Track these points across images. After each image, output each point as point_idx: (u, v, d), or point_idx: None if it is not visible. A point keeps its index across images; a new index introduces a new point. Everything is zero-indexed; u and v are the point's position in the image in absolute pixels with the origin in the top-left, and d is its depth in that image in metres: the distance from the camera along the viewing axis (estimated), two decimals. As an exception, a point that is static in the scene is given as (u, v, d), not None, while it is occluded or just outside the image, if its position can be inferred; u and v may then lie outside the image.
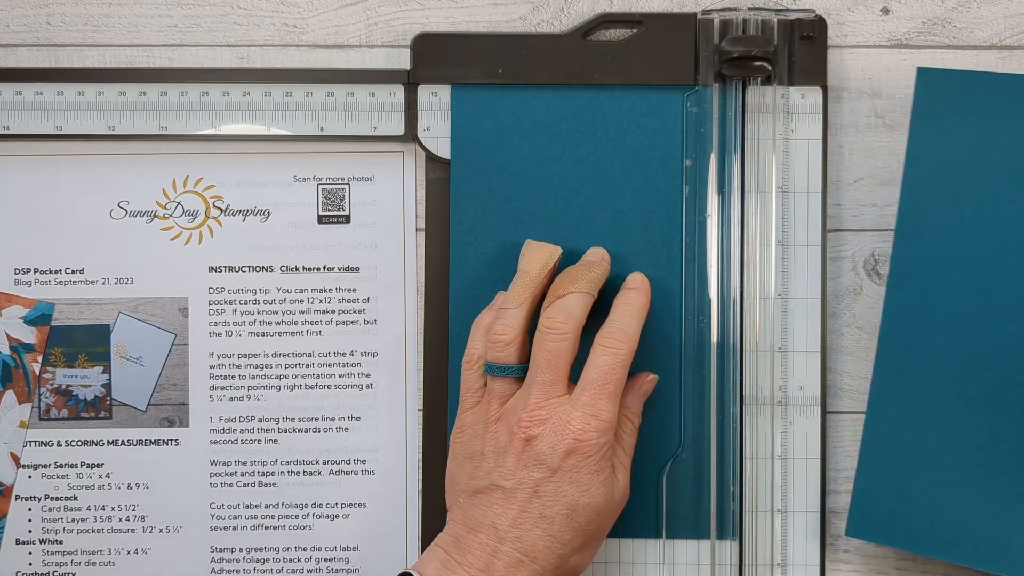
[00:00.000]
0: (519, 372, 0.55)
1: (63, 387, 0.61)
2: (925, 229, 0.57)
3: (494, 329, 0.56)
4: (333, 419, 0.62)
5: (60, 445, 0.61)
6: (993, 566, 0.55)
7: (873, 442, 0.57)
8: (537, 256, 0.57)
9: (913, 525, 0.57)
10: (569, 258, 0.59)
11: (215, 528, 0.62)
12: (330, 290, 0.62)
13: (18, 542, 0.61)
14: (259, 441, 0.62)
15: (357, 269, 0.62)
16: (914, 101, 0.57)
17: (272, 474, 0.62)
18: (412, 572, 0.53)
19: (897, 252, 0.57)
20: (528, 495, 0.53)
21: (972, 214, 0.56)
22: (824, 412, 0.60)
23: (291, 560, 0.62)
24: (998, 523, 0.55)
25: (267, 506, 0.62)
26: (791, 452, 0.60)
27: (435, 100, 0.60)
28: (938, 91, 0.57)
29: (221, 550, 0.62)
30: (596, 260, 0.58)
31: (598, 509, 0.53)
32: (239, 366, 0.62)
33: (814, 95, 0.60)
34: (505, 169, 0.60)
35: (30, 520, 0.61)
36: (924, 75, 0.57)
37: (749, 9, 0.60)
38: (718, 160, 0.60)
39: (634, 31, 0.60)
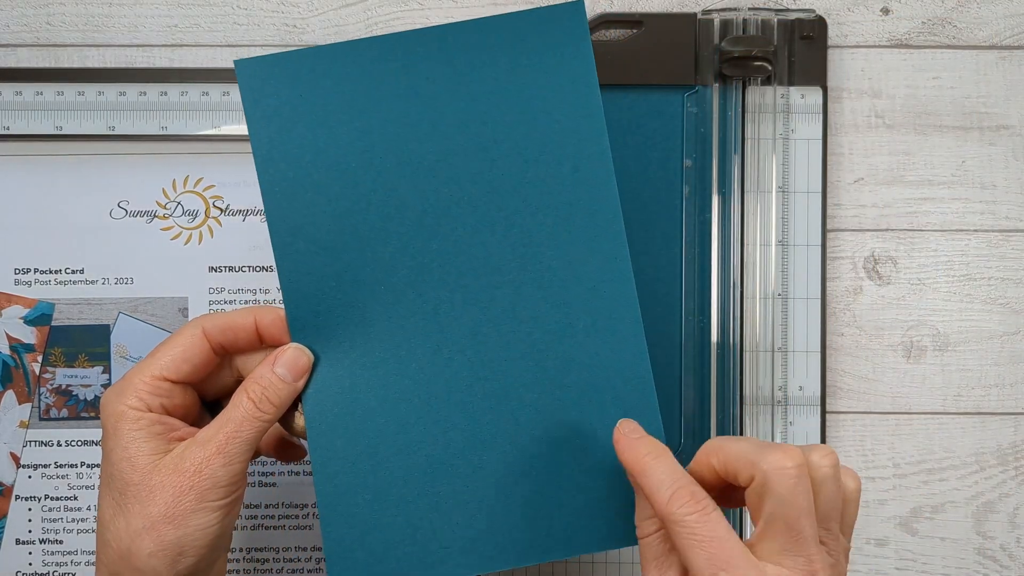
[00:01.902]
0: None
1: (63, 387, 0.61)
2: (297, 231, 0.50)
3: None
4: (333, 419, 0.61)
5: (60, 445, 0.61)
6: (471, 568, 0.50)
7: (327, 486, 0.49)
8: None
9: (392, 554, 0.50)
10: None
11: (215, 528, 0.62)
12: (330, 290, 0.62)
13: (18, 542, 0.61)
14: (259, 441, 0.62)
15: (357, 269, 0.62)
16: (243, 98, 0.50)
17: (272, 474, 0.62)
18: None
19: (279, 265, 0.50)
20: None
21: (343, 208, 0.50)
22: (824, 412, 0.60)
23: (291, 560, 0.62)
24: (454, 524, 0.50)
25: (267, 506, 0.62)
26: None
27: None
28: (260, 81, 0.50)
29: (221, 550, 0.62)
30: None
31: (121, 480, 0.46)
32: (239, 366, 0.62)
33: (814, 95, 0.60)
34: None
35: (30, 520, 0.61)
36: (241, 67, 0.49)
37: (749, 9, 0.60)
38: (719, 160, 0.60)
39: (634, 31, 0.60)
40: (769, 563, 0.42)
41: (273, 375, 0.48)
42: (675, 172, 0.60)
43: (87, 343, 0.61)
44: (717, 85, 0.59)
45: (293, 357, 0.48)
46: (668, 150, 0.60)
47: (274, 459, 0.56)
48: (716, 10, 0.59)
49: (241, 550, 0.61)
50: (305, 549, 0.62)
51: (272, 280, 0.61)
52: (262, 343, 0.50)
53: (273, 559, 0.62)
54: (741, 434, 0.60)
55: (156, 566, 0.46)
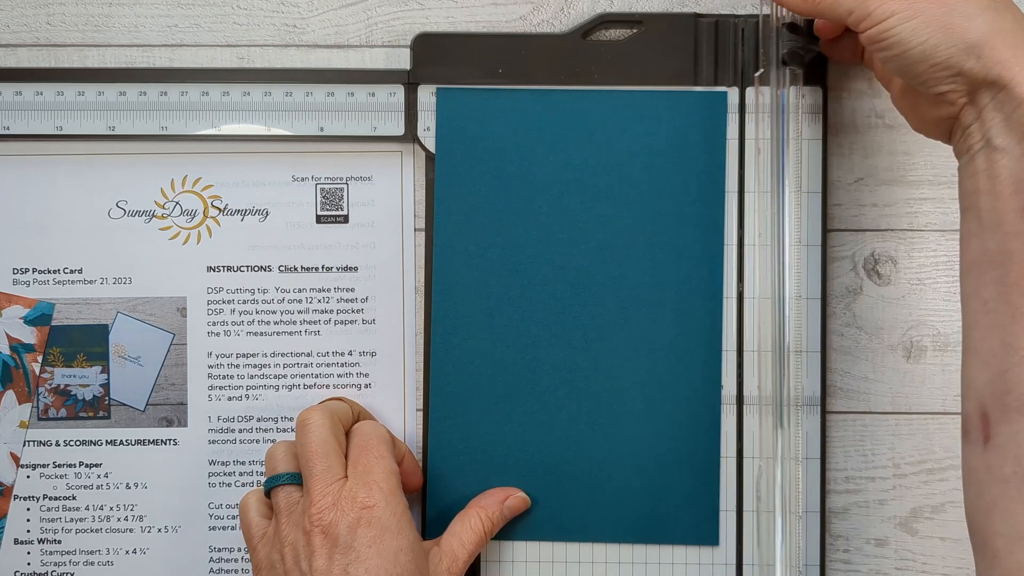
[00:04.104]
0: (296, 479, 0.55)
1: (62, 387, 0.61)
2: (456, 237, 0.60)
3: (267, 456, 0.57)
4: (332, 419, 0.61)
5: (59, 445, 0.61)
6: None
7: (438, 444, 0.60)
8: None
9: None
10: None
11: (213, 528, 0.61)
12: (328, 290, 0.62)
13: (16, 542, 0.61)
14: (257, 441, 0.61)
15: (356, 269, 0.62)
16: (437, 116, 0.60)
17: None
18: None
19: (436, 261, 0.60)
20: None
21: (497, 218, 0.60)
22: (824, 412, 0.60)
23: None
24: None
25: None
26: (791, 452, 0.60)
27: (435, 100, 0.60)
28: (455, 107, 0.60)
29: (220, 550, 0.61)
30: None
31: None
32: (237, 366, 0.62)
33: (814, 95, 0.60)
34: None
35: (28, 520, 0.61)
36: (443, 95, 0.60)
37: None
38: (776, 157, 0.59)
39: (634, 31, 0.60)
40: None
41: (500, 514, 0.57)
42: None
43: (85, 343, 0.61)
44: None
45: (520, 505, 0.58)
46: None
47: None
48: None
49: (240, 550, 0.61)
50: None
51: (270, 280, 0.61)
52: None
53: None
54: (741, 434, 0.60)
55: None
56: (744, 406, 0.60)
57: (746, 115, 0.60)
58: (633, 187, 0.60)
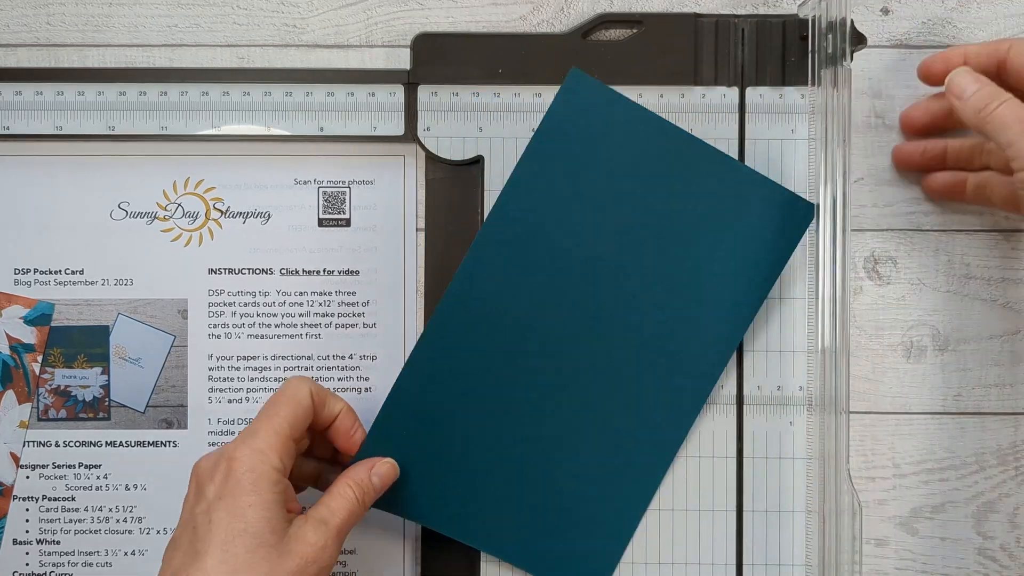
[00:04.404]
0: None
1: (62, 387, 0.61)
2: (513, 222, 0.58)
3: None
4: (332, 420, 0.61)
5: (58, 446, 0.61)
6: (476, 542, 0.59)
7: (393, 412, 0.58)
8: None
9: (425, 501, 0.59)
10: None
11: (213, 529, 0.61)
12: (330, 293, 0.62)
13: (15, 542, 0.61)
14: (258, 443, 0.61)
15: (357, 272, 0.62)
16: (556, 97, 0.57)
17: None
18: None
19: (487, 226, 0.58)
20: (186, 527, 0.51)
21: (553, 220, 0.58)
22: (824, 412, 0.60)
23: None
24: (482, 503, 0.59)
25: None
26: (791, 452, 0.60)
27: (435, 100, 0.60)
28: (578, 96, 0.57)
29: (219, 551, 0.61)
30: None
31: (259, 539, 0.50)
32: (238, 368, 0.61)
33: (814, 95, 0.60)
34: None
35: (27, 520, 0.61)
36: (574, 76, 0.57)
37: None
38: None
39: (634, 31, 0.60)
40: None
41: (370, 482, 0.55)
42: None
43: (86, 344, 0.61)
44: (822, 80, 0.58)
45: (389, 473, 0.56)
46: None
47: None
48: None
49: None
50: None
51: (271, 283, 0.61)
52: (316, 425, 0.56)
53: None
54: (741, 435, 0.60)
55: None
56: (744, 406, 0.60)
57: (747, 114, 0.60)
58: (687, 246, 0.58)
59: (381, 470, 0.56)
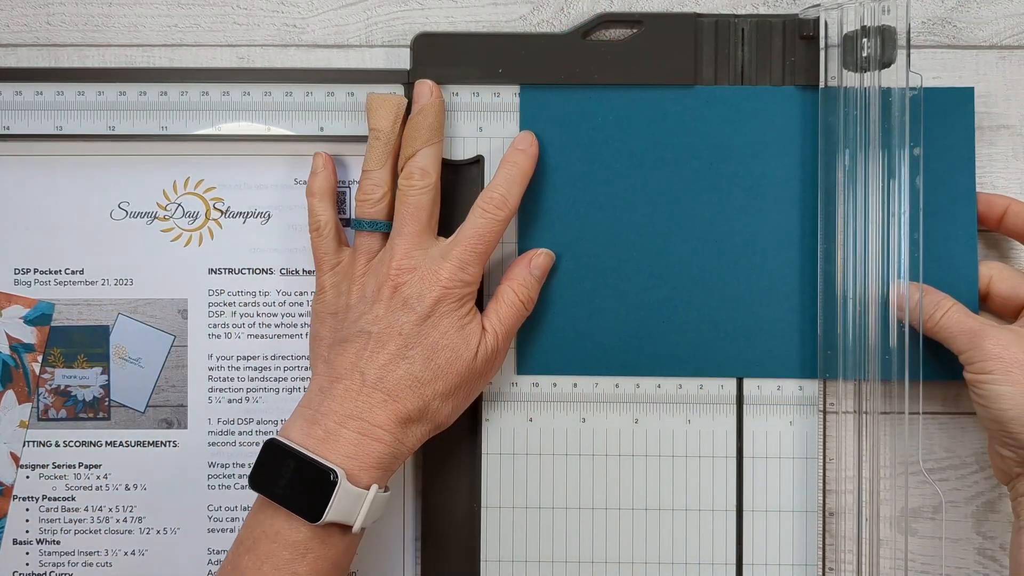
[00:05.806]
0: (388, 227, 0.57)
1: (62, 387, 0.61)
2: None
3: (363, 188, 0.57)
4: (332, 420, 0.61)
5: (58, 446, 0.61)
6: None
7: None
8: (386, 111, 0.58)
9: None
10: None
11: (212, 530, 0.61)
12: (329, 292, 0.62)
13: (16, 542, 0.61)
14: (257, 443, 0.61)
15: (357, 272, 0.62)
16: None
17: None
18: (278, 438, 0.53)
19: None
20: (393, 338, 0.54)
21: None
22: (825, 412, 0.60)
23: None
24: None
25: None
26: (791, 452, 0.60)
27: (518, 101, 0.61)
28: (537, 105, 0.60)
29: (218, 552, 0.61)
30: (426, 102, 0.58)
31: (459, 355, 0.55)
32: (238, 368, 0.61)
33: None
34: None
35: (27, 520, 0.61)
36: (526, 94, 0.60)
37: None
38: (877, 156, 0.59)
39: (634, 31, 0.60)
40: None
41: (531, 275, 0.59)
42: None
43: (86, 344, 0.61)
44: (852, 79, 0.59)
45: (546, 263, 0.60)
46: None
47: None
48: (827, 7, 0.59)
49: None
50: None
51: (271, 283, 0.61)
52: None
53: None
54: (740, 435, 0.60)
55: None
56: (744, 406, 0.60)
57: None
58: (723, 178, 0.60)
59: (539, 261, 0.59)
